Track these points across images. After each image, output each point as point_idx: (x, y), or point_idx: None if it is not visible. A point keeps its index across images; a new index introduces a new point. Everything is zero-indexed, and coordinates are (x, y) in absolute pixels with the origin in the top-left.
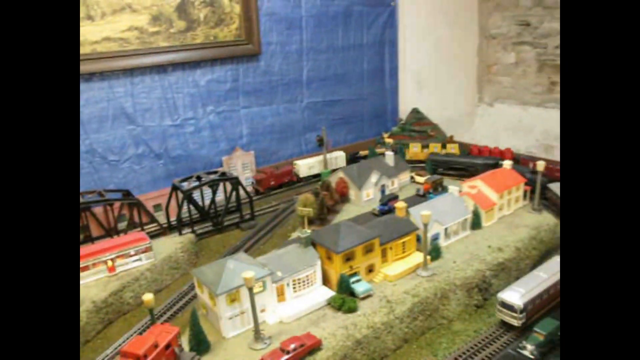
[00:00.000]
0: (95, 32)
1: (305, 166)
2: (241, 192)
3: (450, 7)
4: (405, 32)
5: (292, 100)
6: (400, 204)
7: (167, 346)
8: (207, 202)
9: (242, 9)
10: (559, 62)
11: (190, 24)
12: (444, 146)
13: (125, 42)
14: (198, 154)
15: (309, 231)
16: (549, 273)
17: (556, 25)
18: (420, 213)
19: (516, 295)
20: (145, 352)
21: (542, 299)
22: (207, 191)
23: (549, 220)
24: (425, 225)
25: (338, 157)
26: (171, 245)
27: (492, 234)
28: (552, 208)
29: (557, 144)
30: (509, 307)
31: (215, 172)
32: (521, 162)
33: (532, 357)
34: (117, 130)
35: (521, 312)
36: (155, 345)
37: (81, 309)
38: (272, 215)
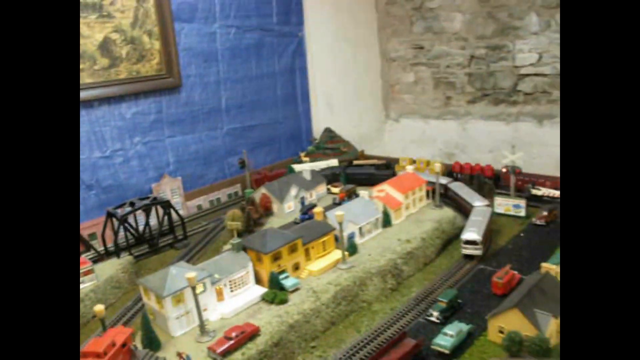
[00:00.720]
0: None
1: (297, 170)
2: (173, 215)
3: (352, 35)
4: (313, 59)
5: (213, 127)
6: (318, 209)
7: (124, 345)
8: (142, 226)
9: (162, 45)
10: (451, 79)
11: (113, 60)
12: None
13: None
14: (128, 182)
15: (239, 239)
16: (480, 216)
17: (445, 47)
18: (334, 214)
19: (473, 233)
20: (105, 349)
21: (486, 233)
22: (140, 216)
23: (449, 214)
24: (340, 224)
25: (332, 163)
26: (112, 267)
27: (401, 229)
28: (452, 204)
29: (457, 151)
30: (472, 242)
31: (147, 198)
32: (502, 176)
33: (437, 321)
34: None
35: (480, 243)
36: (113, 344)
37: None
38: (203, 234)
